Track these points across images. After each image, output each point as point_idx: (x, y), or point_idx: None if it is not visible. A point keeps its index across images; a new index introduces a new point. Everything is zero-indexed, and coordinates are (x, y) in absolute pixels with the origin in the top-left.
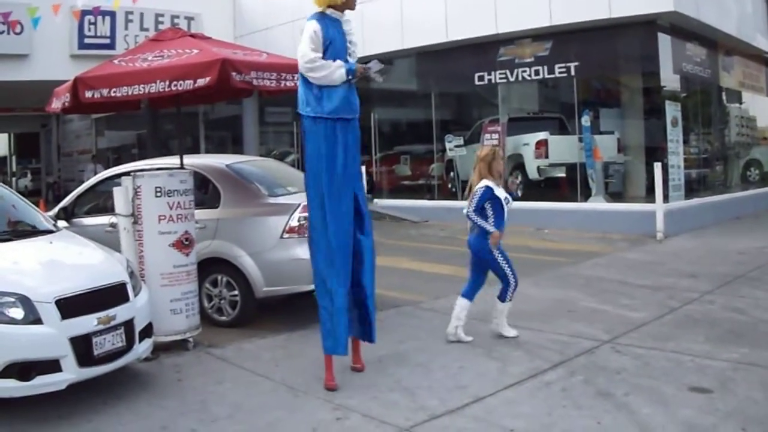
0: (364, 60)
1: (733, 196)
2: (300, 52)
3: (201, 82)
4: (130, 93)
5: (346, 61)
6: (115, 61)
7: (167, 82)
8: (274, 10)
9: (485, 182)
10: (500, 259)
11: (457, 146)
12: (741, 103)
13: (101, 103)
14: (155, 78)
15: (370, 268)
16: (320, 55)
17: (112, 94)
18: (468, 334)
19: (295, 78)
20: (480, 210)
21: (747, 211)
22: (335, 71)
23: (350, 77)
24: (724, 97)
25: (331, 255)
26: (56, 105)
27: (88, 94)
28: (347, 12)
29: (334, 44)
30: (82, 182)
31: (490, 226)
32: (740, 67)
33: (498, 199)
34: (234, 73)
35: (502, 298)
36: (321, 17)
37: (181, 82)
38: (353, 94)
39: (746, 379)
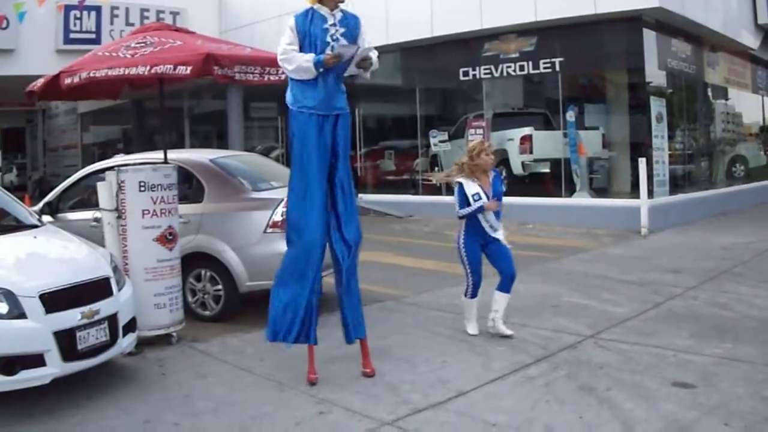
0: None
1: (719, 192)
2: (278, 47)
3: (181, 69)
4: (108, 74)
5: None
6: (99, 53)
7: (148, 67)
8: (259, 5)
9: (458, 179)
10: (462, 253)
11: (441, 141)
12: (726, 100)
13: (81, 89)
14: (136, 64)
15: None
16: (294, 47)
17: (91, 76)
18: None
19: (279, 72)
20: (465, 205)
21: (732, 207)
22: (303, 63)
23: (320, 69)
24: (709, 93)
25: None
26: (31, 87)
27: (68, 81)
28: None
29: (311, 39)
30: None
31: (477, 204)
32: (726, 64)
33: (465, 195)
34: (216, 67)
35: (464, 293)
36: (305, 13)
37: (162, 66)
38: (334, 91)
39: (729, 374)
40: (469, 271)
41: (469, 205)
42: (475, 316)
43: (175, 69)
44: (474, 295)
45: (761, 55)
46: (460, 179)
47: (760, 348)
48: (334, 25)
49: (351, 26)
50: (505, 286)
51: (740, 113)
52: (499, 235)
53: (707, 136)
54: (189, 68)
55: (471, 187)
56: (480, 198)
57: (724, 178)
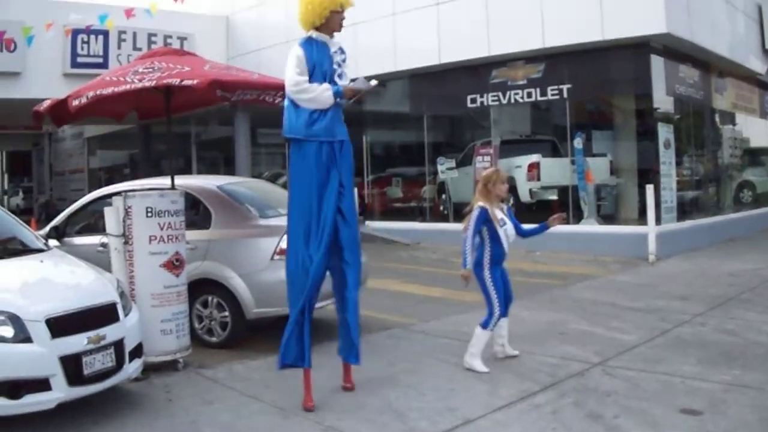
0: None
1: (726, 218)
2: (286, 76)
3: (188, 81)
4: (115, 90)
5: (334, 84)
6: (107, 78)
7: (154, 81)
8: (265, 31)
9: (480, 204)
10: (489, 283)
11: (448, 169)
12: (734, 125)
13: (87, 109)
14: (143, 80)
15: (353, 288)
16: (306, 78)
17: (99, 94)
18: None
19: (278, 95)
20: (478, 233)
21: (739, 233)
22: (322, 93)
23: (338, 99)
24: (717, 119)
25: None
26: (38, 107)
27: (75, 102)
28: (339, 35)
29: (320, 67)
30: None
31: (470, 257)
32: (733, 89)
33: (491, 222)
34: (224, 92)
35: (483, 324)
36: (307, 41)
37: (168, 80)
38: (336, 118)
39: (737, 401)
40: (497, 303)
41: (486, 229)
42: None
43: (181, 81)
44: (494, 328)
45: None
46: (484, 204)
47: None
48: (336, 52)
49: (345, 54)
50: (506, 311)
51: (748, 138)
52: None
53: (715, 162)
54: (195, 80)
55: (497, 214)
56: (505, 223)
57: (732, 204)
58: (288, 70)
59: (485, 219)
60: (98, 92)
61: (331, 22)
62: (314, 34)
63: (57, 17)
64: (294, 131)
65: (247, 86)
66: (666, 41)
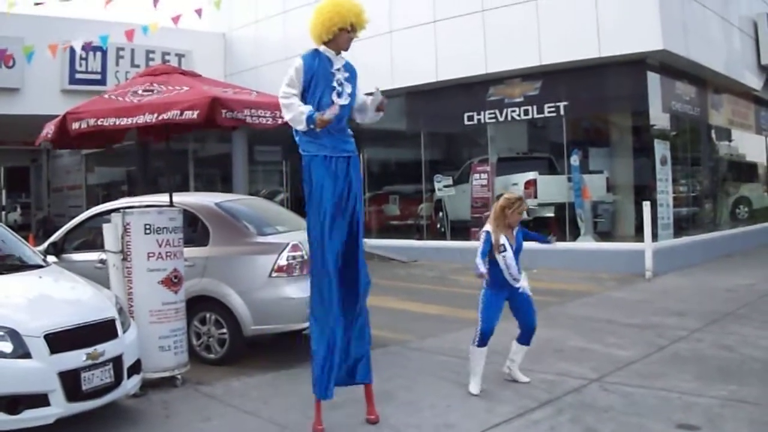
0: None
1: (722, 234)
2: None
3: (188, 114)
4: (117, 123)
5: (331, 102)
6: (106, 96)
7: (155, 114)
8: (263, 48)
9: (486, 227)
10: (480, 300)
11: (446, 186)
12: (730, 141)
13: (88, 136)
14: (144, 111)
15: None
16: (294, 91)
17: (99, 124)
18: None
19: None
20: (486, 255)
21: (736, 249)
22: (299, 116)
23: (311, 125)
24: (713, 135)
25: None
26: (42, 134)
27: (75, 126)
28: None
29: (318, 81)
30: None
31: (482, 267)
32: (729, 105)
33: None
34: (224, 111)
35: (471, 341)
36: (311, 54)
37: (169, 112)
38: (341, 135)
39: (734, 416)
40: (479, 318)
41: (492, 253)
42: (481, 372)
43: (182, 114)
44: (482, 344)
45: (765, 96)
46: (489, 228)
47: (766, 389)
48: (339, 69)
49: (353, 73)
50: (525, 339)
51: (744, 154)
52: (522, 284)
53: (711, 178)
54: (196, 113)
55: (499, 238)
56: (506, 250)
57: (728, 220)
58: (283, 80)
59: (489, 241)
60: (99, 122)
61: (338, 39)
62: (321, 48)
63: (57, 34)
64: (301, 147)
65: (248, 106)
66: (662, 58)
